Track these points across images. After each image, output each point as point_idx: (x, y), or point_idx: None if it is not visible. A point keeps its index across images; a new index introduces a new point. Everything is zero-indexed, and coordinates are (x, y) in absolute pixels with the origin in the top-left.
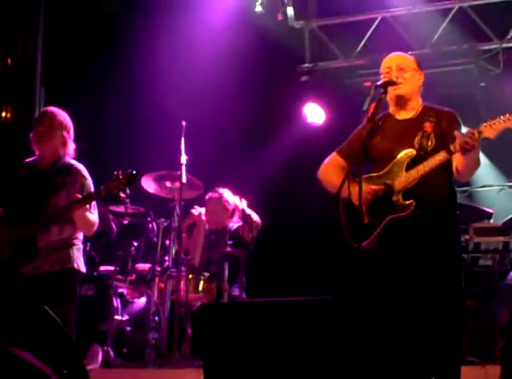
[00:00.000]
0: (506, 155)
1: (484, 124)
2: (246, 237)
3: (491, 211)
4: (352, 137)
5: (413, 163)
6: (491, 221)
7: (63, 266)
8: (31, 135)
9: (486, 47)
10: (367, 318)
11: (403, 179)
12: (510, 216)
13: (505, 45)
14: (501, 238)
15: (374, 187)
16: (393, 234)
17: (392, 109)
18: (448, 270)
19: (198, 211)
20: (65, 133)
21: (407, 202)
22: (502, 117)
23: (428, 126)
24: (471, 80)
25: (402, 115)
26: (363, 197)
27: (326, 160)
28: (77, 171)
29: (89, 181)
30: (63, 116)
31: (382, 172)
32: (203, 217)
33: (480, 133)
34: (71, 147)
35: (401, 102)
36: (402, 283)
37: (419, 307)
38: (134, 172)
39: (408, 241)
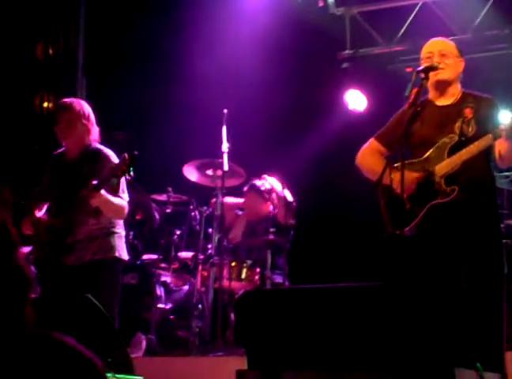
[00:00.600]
0: None
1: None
2: (282, 220)
3: None
4: (390, 123)
5: (454, 148)
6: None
7: (105, 255)
8: (55, 130)
9: None
10: (414, 304)
11: (445, 165)
12: None
13: None
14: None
15: (416, 175)
16: (435, 220)
17: (432, 94)
18: (490, 255)
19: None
20: (85, 122)
21: (449, 188)
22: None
23: (468, 112)
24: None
25: (442, 101)
26: (406, 186)
27: (364, 146)
28: (106, 157)
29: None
30: (79, 105)
31: (422, 158)
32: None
33: None
34: (95, 132)
35: (442, 87)
36: (444, 268)
37: (462, 292)
38: (136, 153)
39: (450, 226)
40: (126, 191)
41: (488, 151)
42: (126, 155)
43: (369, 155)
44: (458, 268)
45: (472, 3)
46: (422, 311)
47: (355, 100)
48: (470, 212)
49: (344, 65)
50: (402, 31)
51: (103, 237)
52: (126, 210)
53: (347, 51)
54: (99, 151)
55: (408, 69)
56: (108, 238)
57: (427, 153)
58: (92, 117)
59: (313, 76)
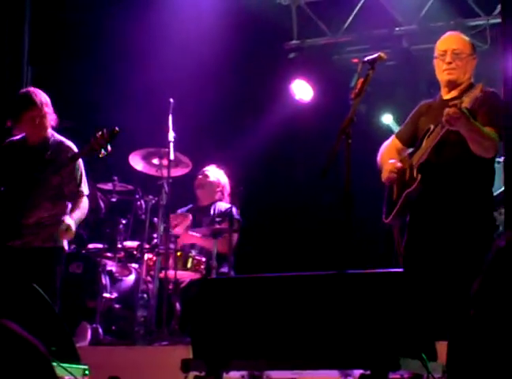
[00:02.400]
0: None
1: (466, 94)
2: (228, 210)
3: None
4: (407, 120)
5: (429, 137)
6: None
7: (55, 244)
8: (17, 119)
9: (473, 23)
10: (360, 293)
11: (417, 154)
12: (497, 191)
13: (492, 21)
14: None
15: (398, 165)
16: (407, 209)
17: (442, 90)
18: (452, 248)
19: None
20: (47, 110)
21: (415, 176)
22: (478, 85)
23: (459, 104)
24: None
25: (448, 95)
26: (387, 176)
27: (385, 143)
28: (68, 149)
29: (81, 162)
30: (39, 97)
31: (414, 149)
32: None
33: (461, 102)
34: (52, 119)
35: (452, 85)
36: (415, 257)
37: (413, 281)
38: (117, 129)
39: (420, 214)
40: (86, 183)
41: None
42: (105, 130)
43: (385, 151)
44: (426, 258)
45: None
46: (368, 300)
47: (302, 90)
48: (434, 202)
49: (291, 55)
50: (348, 21)
51: (53, 226)
52: (87, 205)
53: (293, 41)
54: (61, 142)
55: (355, 60)
56: (58, 227)
57: (418, 144)
58: (50, 105)
59: (259, 66)
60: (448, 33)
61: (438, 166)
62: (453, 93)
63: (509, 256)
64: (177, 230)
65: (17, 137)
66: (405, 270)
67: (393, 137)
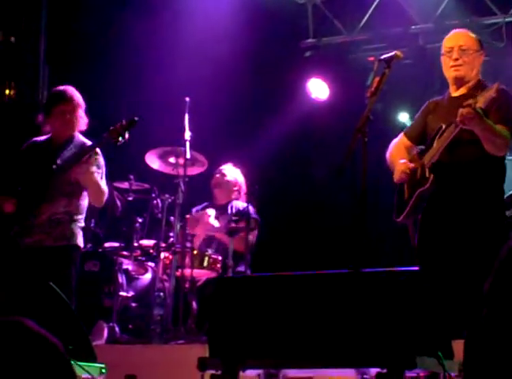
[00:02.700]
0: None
1: (481, 93)
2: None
3: None
4: (416, 117)
5: (441, 137)
6: None
7: (67, 242)
8: (49, 112)
9: (489, 21)
10: (378, 292)
11: (430, 153)
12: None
13: (508, 19)
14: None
15: (409, 166)
16: (421, 208)
17: (450, 88)
18: (466, 249)
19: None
20: (81, 112)
21: (428, 175)
22: (494, 85)
23: (473, 104)
24: None
25: (456, 93)
26: (399, 176)
27: (394, 140)
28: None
29: (101, 158)
30: (77, 95)
31: (424, 148)
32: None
33: (475, 103)
34: (84, 123)
35: (459, 82)
36: (429, 256)
37: (428, 281)
38: (136, 118)
39: (433, 215)
40: (105, 181)
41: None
42: (124, 120)
43: (395, 151)
44: (435, 257)
45: None
46: (384, 298)
47: (318, 89)
48: (448, 202)
49: (307, 53)
50: (364, 20)
51: (66, 223)
52: (106, 196)
53: (309, 40)
54: (84, 143)
55: (371, 59)
56: (70, 225)
57: (429, 143)
58: (84, 107)
59: (275, 64)
60: (455, 30)
61: (451, 165)
62: (462, 90)
63: None
64: (196, 230)
65: (42, 138)
66: (419, 268)
67: (401, 135)
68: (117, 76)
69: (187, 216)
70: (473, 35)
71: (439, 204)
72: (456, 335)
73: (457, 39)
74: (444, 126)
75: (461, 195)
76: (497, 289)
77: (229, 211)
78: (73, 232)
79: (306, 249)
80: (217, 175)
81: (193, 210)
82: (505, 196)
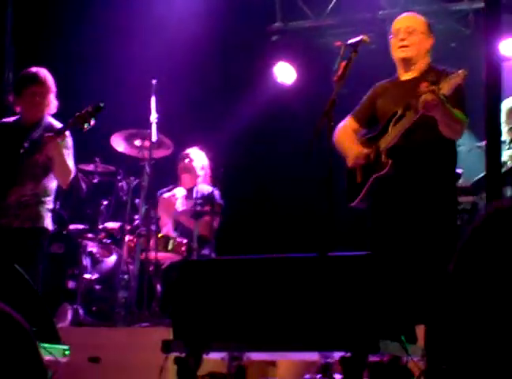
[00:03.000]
0: (476, 116)
1: (443, 80)
2: (209, 193)
3: (460, 171)
4: (363, 100)
5: (398, 122)
6: (460, 182)
7: (34, 224)
8: (19, 93)
9: (456, 8)
10: (341, 276)
11: (386, 138)
12: (478, 177)
13: (475, 6)
14: (470, 199)
15: (365, 151)
16: (376, 193)
17: (398, 71)
18: (422, 232)
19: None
20: (52, 96)
21: (386, 160)
22: (457, 71)
23: (424, 86)
24: (441, 41)
25: (406, 76)
26: (354, 161)
27: (341, 124)
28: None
29: (70, 139)
30: (49, 78)
31: (376, 133)
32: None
33: (439, 89)
34: (54, 107)
35: (407, 64)
36: (385, 240)
37: (391, 266)
38: (101, 104)
39: (390, 199)
40: (72, 161)
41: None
42: (91, 106)
43: (343, 133)
44: (397, 242)
45: None
46: (347, 282)
47: (284, 73)
48: (404, 185)
49: (274, 37)
50: (332, 4)
51: (34, 205)
52: (72, 175)
53: (277, 24)
54: (52, 124)
55: (338, 43)
56: (38, 207)
57: (381, 128)
58: (55, 90)
59: (242, 48)
60: (403, 14)
61: (407, 149)
62: (412, 74)
63: (484, 235)
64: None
65: (11, 119)
66: (374, 251)
67: (348, 118)
68: (84, 58)
69: (159, 197)
70: (421, 18)
71: (394, 188)
72: (418, 319)
73: (404, 20)
74: (400, 111)
75: (416, 178)
76: (460, 271)
77: (194, 195)
78: (40, 214)
79: (272, 233)
80: (186, 160)
81: (159, 193)
82: (472, 181)
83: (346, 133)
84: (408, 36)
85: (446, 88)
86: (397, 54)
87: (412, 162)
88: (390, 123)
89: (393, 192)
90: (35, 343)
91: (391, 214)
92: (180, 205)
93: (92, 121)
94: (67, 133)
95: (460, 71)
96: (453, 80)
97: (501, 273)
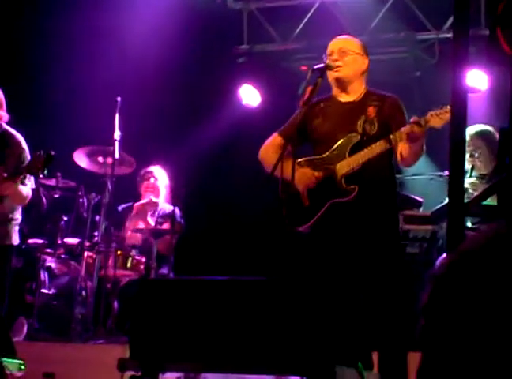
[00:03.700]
0: (437, 145)
1: (431, 113)
2: (169, 212)
3: (420, 199)
4: (293, 118)
5: (356, 147)
6: (421, 210)
7: (1, 242)
8: None
9: (423, 37)
10: (298, 300)
11: (345, 164)
12: (439, 206)
13: (441, 35)
14: (429, 227)
15: (316, 173)
16: (334, 219)
17: (334, 91)
18: (387, 257)
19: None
20: (1, 110)
21: (349, 187)
22: (446, 107)
23: (371, 111)
24: (407, 69)
25: (345, 98)
26: (305, 183)
27: (268, 141)
28: (17, 143)
29: (27, 153)
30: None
31: (324, 155)
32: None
33: (426, 122)
34: (5, 117)
35: (342, 85)
36: (336, 267)
37: (356, 292)
38: (52, 153)
39: (349, 225)
40: (31, 178)
41: (390, 151)
42: (42, 152)
43: (271, 150)
44: (351, 268)
45: (369, 6)
46: (305, 308)
47: (249, 95)
48: (369, 211)
49: (240, 59)
50: (299, 29)
51: (1, 224)
52: (29, 198)
53: (243, 46)
54: (9, 135)
55: (303, 68)
56: (5, 226)
57: (329, 151)
58: (4, 105)
59: (208, 69)
60: (337, 37)
61: (366, 176)
62: (352, 96)
63: (461, 269)
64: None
65: None
66: (329, 278)
67: (275, 135)
68: (48, 74)
69: (135, 205)
70: (356, 40)
71: (353, 213)
72: (375, 346)
73: (338, 42)
74: (359, 137)
75: (374, 205)
76: (436, 302)
77: (156, 213)
78: (7, 232)
79: (232, 253)
80: (150, 179)
81: (119, 208)
82: (432, 210)
83: (275, 150)
84: (341, 57)
85: (437, 122)
86: (330, 74)
87: (371, 189)
88: (347, 148)
89: (350, 217)
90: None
91: (342, 239)
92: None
93: (45, 171)
94: (25, 147)
95: (446, 107)
96: (445, 116)
97: (476, 310)
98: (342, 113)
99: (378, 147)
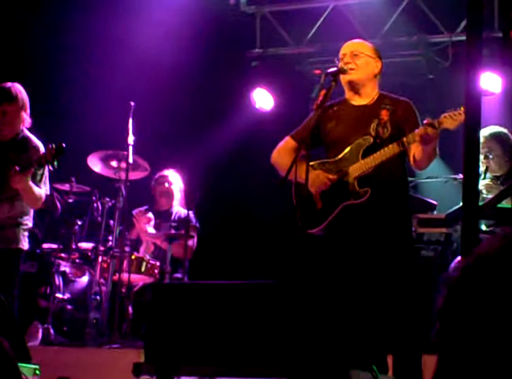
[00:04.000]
0: (452, 148)
1: (444, 115)
2: (184, 216)
3: (435, 202)
4: (306, 122)
5: (369, 150)
6: (435, 213)
7: (8, 245)
8: None
9: (436, 40)
10: (311, 304)
11: (358, 166)
12: (453, 209)
13: (454, 38)
14: (444, 230)
15: (329, 175)
16: (347, 221)
17: (347, 94)
18: (400, 260)
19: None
20: (24, 111)
21: (362, 189)
22: (460, 109)
23: (384, 114)
24: (420, 72)
25: (358, 101)
26: (318, 186)
27: (280, 144)
28: (34, 148)
29: (43, 169)
30: (21, 93)
31: (337, 158)
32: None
33: (440, 123)
34: (28, 120)
35: (354, 88)
36: (350, 270)
37: (369, 295)
38: (64, 145)
39: (362, 228)
40: (47, 183)
41: (403, 153)
42: (53, 145)
43: (284, 153)
44: (365, 271)
45: (383, 9)
46: (319, 312)
47: (262, 99)
48: (382, 214)
49: (253, 63)
50: (312, 32)
51: (10, 227)
52: (43, 201)
53: (256, 50)
54: (28, 140)
55: (317, 71)
56: (15, 229)
57: (342, 153)
58: (28, 106)
59: (221, 73)
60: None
61: (379, 179)
62: (365, 99)
63: (476, 273)
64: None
65: None
66: (342, 281)
67: (288, 139)
68: (62, 79)
69: (135, 212)
70: (368, 43)
71: (366, 216)
72: (391, 349)
73: (350, 46)
74: (372, 140)
75: (388, 208)
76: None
77: (172, 217)
78: (16, 236)
79: (245, 257)
80: (165, 184)
81: (134, 212)
82: (447, 212)
83: (288, 154)
84: (354, 59)
85: (450, 123)
86: (343, 77)
87: (384, 192)
88: (359, 151)
89: (363, 220)
90: (16, 365)
91: (356, 242)
92: (155, 227)
93: (56, 164)
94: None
95: (461, 109)
96: (459, 117)
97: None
98: (355, 116)
99: (391, 150)
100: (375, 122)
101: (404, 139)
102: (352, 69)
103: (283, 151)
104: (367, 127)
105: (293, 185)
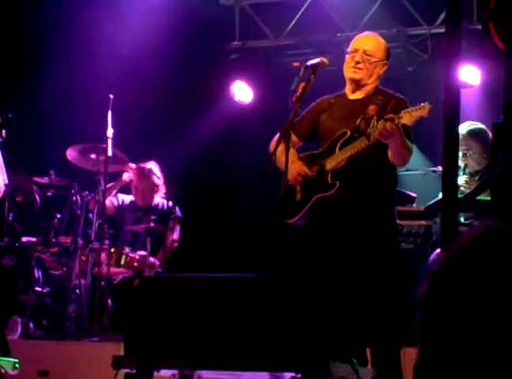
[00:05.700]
0: (431, 140)
1: (404, 110)
2: (164, 208)
3: (414, 195)
4: (305, 113)
5: (346, 143)
6: (414, 205)
7: None
8: None
9: (415, 32)
10: (292, 297)
11: (333, 159)
12: (432, 201)
13: (434, 31)
14: (423, 222)
15: (305, 169)
16: (319, 213)
17: (347, 88)
18: (380, 252)
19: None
20: None
21: (332, 182)
22: (421, 104)
23: (372, 109)
24: (399, 65)
25: (353, 96)
26: (295, 177)
27: (277, 135)
28: None
29: None
30: None
31: (320, 150)
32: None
33: (399, 118)
34: None
35: (356, 85)
36: (331, 261)
37: (347, 288)
38: (10, 115)
39: (335, 220)
40: (4, 173)
41: (386, 148)
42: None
43: (272, 146)
44: (345, 264)
45: (362, 2)
46: (299, 304)
47: (242, 92)
48: (356, 206)
49: (232, 56)
50: (291, 25)
51: None
52: (1, 192)
53: (235, 43)
54: None
55: (296, 64)
56: None
57: (325, 146)
58: None
59: (200, 65)
60: (365, 33)
61: (353, 173)
62: (359, 94)
63: (459, 264)
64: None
65: None
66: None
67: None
68: (40, 72)
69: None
70: (382, 42)
71: (336, 209)
72: (369, 342)
73: (365, 42)
74: (349, 133)
75: (360, 202)
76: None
77: (154, 210)
78: None
79: (227, 250)
80: (147, 179)
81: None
82: (427, 204)
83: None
84: (364, 60)
85: (408, 118)
86: (348, 73)
87: (357, 185)
88: (337, 144)
89: (335, 213)
90: None
91: (332, 235)
92: (136, 220)
93: (3, 133)
94: None
95: (425, 104)
96: (417, 113)
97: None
98: (347, 110)
99: (359, 143)
100: (361, 117)
101: (368, 131)
102: (359, 69)
103: (272, 144)
104: (354, 121)
105: (284, 176)
